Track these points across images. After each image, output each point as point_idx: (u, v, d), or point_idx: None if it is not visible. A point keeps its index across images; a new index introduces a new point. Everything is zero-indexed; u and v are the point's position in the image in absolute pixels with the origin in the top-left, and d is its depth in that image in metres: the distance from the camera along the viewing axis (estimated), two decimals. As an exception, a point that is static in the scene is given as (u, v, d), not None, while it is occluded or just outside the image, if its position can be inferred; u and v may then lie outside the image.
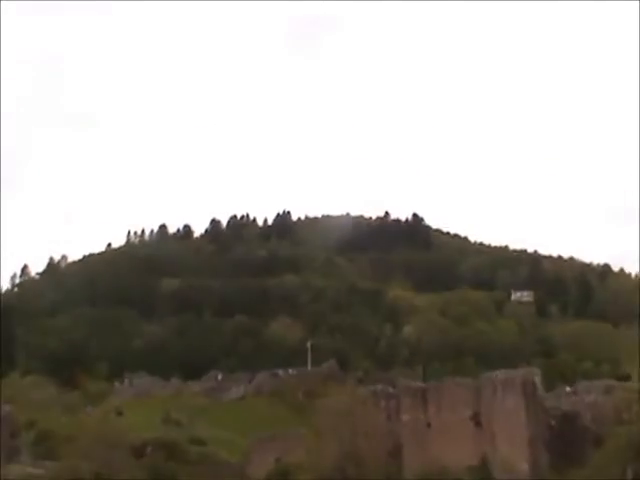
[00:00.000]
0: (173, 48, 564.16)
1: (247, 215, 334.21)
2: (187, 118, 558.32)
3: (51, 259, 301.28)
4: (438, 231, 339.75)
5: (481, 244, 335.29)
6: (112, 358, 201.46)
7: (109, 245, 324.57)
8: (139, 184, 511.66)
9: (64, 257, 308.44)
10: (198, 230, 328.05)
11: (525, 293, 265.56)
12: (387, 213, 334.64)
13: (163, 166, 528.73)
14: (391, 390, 63.49)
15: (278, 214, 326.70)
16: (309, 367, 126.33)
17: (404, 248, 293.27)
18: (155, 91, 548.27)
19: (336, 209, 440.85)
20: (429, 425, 59.27)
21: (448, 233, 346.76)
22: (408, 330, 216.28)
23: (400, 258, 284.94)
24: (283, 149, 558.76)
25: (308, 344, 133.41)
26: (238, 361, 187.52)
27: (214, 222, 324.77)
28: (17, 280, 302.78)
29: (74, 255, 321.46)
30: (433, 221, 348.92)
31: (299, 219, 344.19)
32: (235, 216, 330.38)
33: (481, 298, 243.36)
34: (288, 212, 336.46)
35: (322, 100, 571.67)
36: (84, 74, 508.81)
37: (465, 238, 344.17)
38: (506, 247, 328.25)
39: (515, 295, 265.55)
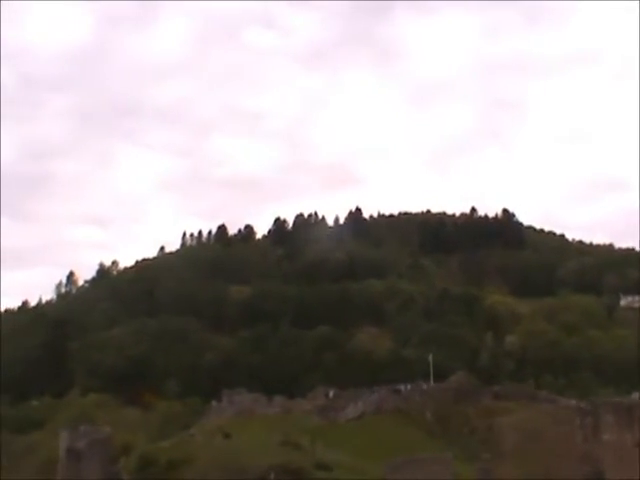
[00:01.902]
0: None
1: (315, 213, 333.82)
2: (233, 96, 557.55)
3: (101, 265, 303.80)
4: (531, 228, 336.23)
5: (581, 242, 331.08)
6: (181, 374, 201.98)
7: (162, 249, 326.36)
8: (180, 180, 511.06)
9: (115, 263, 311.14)
10: (260, 231, 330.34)
11: (637, 298, 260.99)
12: (474, 209, 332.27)
13: (210, 159, 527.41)
14: (585, 406, 61.51)
15: (350, 211, 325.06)
16: (431, 382, 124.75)
17: (495, 248, 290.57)
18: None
19: (413, 206, 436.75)
20: (639, 446, 57.18)
21: (542, 230, 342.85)
22: (511, 340, 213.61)
23: (492, 259, 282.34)
24: (348, 138, 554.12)
25: (429, 357, 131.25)
26: (322, 376, 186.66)
27: (278, 222, 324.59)
28: (63, 289, 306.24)
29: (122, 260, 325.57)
30: (525, 217, 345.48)
31: (372, 217, 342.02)
32: (302, 215, 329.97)
33: (590, 304, 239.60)
34: (359, 209, 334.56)
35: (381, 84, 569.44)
36: None
37: (562, 236, 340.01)
38: (611, 246, 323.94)
39: (625, 300, 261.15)
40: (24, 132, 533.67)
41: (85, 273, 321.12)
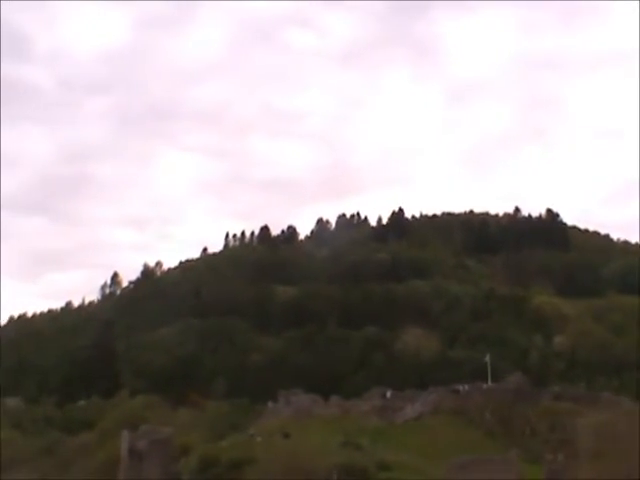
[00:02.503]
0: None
1: (358, 214, 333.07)
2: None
3: (145, 266, 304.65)
4: (575, 228, 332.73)
5: (626, 242, 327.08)
6: (228, 374, 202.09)
7: (204, 250, 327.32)
8: (219, 181, 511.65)
9: (159, 264, 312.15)
10: (302, 232, 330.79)
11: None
12: (517, 209, 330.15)
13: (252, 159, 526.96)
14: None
15: (393, 212, 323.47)
16: (489, 382, 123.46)
17: (539, 248, 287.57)
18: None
19: (455, 206, 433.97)
20: None
21: (587, 230, 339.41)
22: (560, 340, 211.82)
23: (536, 260, 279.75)
24: (387, 137, 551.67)
25: (487, 358, 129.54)
26: (369, 376, 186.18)
27: (321, 222, 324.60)
28: (107, 290, 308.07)
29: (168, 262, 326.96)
30: (568, 217, 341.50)
31: (413, 217, 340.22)
32: (344, 215, 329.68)
33: (638, 305, 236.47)
34: (401, 210, 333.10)
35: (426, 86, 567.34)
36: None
37: (607, 236, 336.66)
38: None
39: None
40: (63, 134, 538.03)
41: (127, 274, 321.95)
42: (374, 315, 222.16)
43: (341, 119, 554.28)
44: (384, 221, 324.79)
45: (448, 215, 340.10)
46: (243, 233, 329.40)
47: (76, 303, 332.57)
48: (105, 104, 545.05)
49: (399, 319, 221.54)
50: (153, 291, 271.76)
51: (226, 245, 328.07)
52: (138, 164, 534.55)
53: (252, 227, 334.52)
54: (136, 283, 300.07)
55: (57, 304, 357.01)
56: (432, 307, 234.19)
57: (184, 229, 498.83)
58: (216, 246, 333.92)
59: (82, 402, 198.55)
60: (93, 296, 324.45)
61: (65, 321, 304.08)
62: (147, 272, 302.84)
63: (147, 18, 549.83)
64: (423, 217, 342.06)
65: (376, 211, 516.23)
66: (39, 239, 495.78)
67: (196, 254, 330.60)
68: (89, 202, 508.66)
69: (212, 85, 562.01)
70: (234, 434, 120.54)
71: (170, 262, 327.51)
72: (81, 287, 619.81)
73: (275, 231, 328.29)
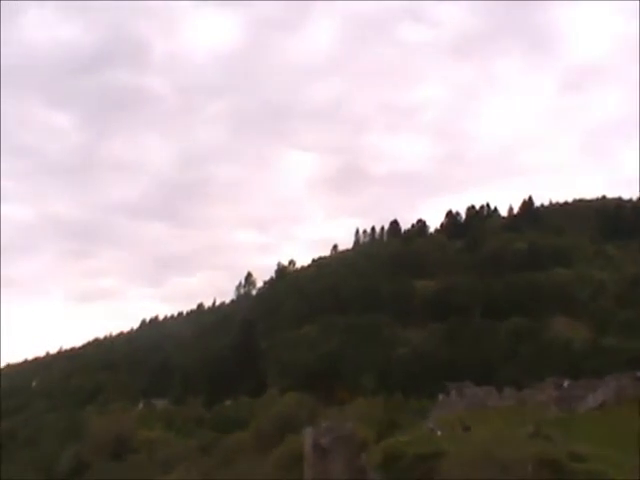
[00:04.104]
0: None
1: (487, 205, 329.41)
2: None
3: (279, 264, 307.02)
4: None
5: None
6: (373, 369, 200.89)
7: (335, 247, 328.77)
8: (336, 178, 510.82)
9: (292, 262, 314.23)
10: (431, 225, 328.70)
11: None
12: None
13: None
14: None
15: (524, 201, 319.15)
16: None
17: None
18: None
19: (580, 192, 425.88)
20: None
21: None
22: None
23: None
24: (504, 127, 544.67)
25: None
26: (519, 367, 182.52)
27: (450, 215, 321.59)
28: (242, 290, 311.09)
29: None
30: None
31: (543, 206, 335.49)
32: (473, 207, 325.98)
33: None
34: (530, 198, 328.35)
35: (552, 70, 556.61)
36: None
37: None
38: None
39: None
40: (182, 139, 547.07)
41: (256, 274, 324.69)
42: (518, 305, 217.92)
43: (456, 111, 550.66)
44: (515, 211, 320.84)
45: (579, 202, 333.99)
46: (373, 228, 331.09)
47: (205, 305, 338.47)
48: (221, 107, 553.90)
49: (544, 308, 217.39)
50: (290, 289, 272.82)
51: (356, 241, 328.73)
52: (256, 165, 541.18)
53: (372, 222, 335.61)
54: (271, 282, 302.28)
55: (182, 307, 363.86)
56: (577, 295, 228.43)
57: (306, 227, 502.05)
58: (343, 242, 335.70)
59: (229, 402, 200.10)
60: (223, 297, 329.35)
61: (201, 322, 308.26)
62: (281, 271, 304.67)
63: (260, 19, 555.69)
64: (554, 205, 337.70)
65: (503, 201, 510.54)
66: (162, 244, 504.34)
67: (323, 251, 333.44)
68: (210, 206, 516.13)
69: (326, 83, 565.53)
70: (408, 428, 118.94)
71: (298, 260, 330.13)
72: (204, 289, 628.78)
73: (403, 225, 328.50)
